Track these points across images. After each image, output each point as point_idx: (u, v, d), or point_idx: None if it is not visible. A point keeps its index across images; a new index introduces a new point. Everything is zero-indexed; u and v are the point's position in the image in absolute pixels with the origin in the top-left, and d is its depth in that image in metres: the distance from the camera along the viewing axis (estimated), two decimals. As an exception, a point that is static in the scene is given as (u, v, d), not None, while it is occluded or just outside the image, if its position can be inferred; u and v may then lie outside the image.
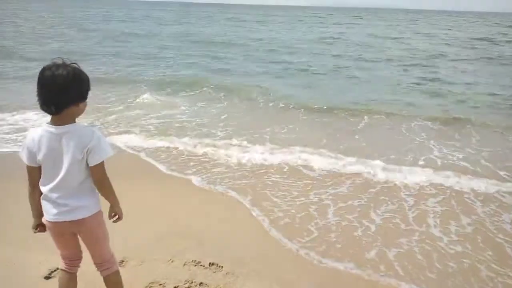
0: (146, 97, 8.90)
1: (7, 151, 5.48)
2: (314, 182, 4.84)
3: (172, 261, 3.09)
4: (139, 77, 11.58)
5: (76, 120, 2.02)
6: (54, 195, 2.02)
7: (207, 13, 67.19)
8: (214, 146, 5.97)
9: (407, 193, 4.59)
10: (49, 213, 2.05)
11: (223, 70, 13.34)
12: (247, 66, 14.40)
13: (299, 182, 4.81)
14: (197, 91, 9.90)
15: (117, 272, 2.36)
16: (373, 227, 3.82)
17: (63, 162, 1.98)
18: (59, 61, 1.93)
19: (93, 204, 2.12)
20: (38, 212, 2.12)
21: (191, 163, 5.32)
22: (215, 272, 3.01)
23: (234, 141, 6.21)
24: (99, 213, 2.17)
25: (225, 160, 5.45)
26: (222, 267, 3.06)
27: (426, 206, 4.29)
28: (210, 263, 3.09)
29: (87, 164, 2.02)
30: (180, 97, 9.41)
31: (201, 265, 3.07)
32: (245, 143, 6.13)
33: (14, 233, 3.43)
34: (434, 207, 4.27)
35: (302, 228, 3.78)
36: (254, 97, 9.41)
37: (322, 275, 3.12)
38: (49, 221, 2.07)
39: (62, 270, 2.30)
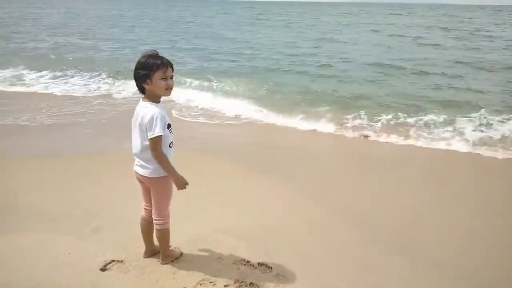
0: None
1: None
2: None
3: (221, 259, 3.08)
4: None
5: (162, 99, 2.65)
6: (133, 152, 2.71)
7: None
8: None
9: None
10: (134, 164, 2.75)
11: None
12: None
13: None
14: None
15: (166, 230, 2.87)
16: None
17: (136, 128, 2.61)
18: (144, 52, 2.59)
19: (156, 169, 2.64)
20: None
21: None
22: (264, 272, 2.97)
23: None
24: (163, 178, 2.67)
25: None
26: (271, 268, 3.01)
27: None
28: (259, 263, 3.05)
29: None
30: None
31: (250, 265, 3.03)
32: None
33: (71, 223, 3.57)
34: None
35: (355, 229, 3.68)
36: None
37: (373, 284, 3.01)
38: (134, 170, 2.76)
39: (142, 218, 2.95)
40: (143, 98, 2.65)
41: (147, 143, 2.57)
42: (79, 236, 3.35)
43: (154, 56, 2.57)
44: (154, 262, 2.98)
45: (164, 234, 2.89)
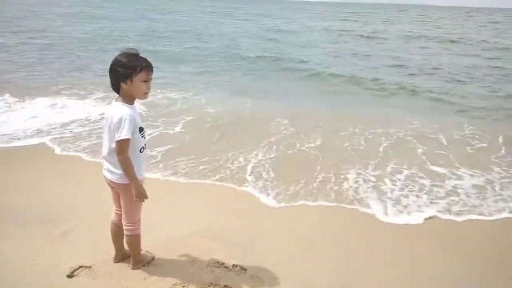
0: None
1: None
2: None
3: (195, 262, 3.00)
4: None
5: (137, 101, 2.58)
6: (102, 155, 2.61)
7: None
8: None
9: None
10: (103, 168, 2.63)
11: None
12: None
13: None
14: None
15: (136, 236, 2.76)
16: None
17: (105, 130, 2.51)
18: (124, 50, 2.47)
19: (123, 175, 2.50)
20: None
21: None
22: (239, 274, 2.90)
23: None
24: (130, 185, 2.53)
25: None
26: (246, 269, 2.95)
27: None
28: (233, 265, 2.99)
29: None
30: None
31: (224, 267, 2.96)
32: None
33: (37, 228, 3.41)
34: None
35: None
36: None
37: (351, 278, 2.99)
38: (103, 174, 2.64)
39: (112, 222, 2.83)
40: (116, 98, 2.53)
41: (114, 145, 2.46)
42: (46, 241, 3.21)
43: (138, 56, 2.46)
44: (124, 267, 2.87)
45: (135, 240, 2.79)
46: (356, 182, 4.74)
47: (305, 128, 6.76)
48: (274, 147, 5.83)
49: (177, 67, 12.31)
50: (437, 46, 20.31)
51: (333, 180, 4.77)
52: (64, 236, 3.30)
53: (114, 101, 2.55)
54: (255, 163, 5.19)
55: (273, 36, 22.66)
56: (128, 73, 2.41)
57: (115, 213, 2.82)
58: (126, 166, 2.45)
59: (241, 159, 5.29)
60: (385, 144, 6.12)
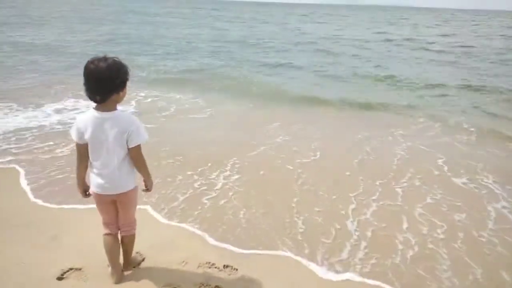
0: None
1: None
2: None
3: (185, 263, 3.01)
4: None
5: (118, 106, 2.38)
6: (100, 171, 2.41)
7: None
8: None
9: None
10: (96, 185, 2.46)
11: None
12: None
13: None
14: None
15: (133, 236, 2.77)
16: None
17: (107, 142, 2.33)
18: (101, 56, 2.24)
19: (131, 180, 2.52)
20: (82, 182, 2.53)
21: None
22: (230, 274, 2.94)
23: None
24: (136, 188, 2.58)
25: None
26: (237, 269, 2.99)
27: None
28: (224, 265, 3.02)
29: (127, 145, 2.37)
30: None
31: (215, 267, 2.99)
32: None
33: (25, 231, 3.38)
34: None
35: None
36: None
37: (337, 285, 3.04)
38: (95, 193, 2.49)
39: (105, 234, 2.67)
40: (100, 107, 2.30)
41: (124, 153, 2.39)
42: (34, 245, 3.18)
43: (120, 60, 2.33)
44: (114, 269, 2.86)
45: (133, 239, 2.81)
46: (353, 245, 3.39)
47: (295, 137, 6.31)
48: (245, 164, 5.10)
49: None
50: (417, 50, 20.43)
51: (316, 231, 3.66)
52: (52, 240, 3.26)
53: (95, 111, 2.31)
54: (215, 194, 4.28)
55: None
56: (125, 80, 2.31)
57: (108, 224, 2.66)
58: (145, 163, 2.52)
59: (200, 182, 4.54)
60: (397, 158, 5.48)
